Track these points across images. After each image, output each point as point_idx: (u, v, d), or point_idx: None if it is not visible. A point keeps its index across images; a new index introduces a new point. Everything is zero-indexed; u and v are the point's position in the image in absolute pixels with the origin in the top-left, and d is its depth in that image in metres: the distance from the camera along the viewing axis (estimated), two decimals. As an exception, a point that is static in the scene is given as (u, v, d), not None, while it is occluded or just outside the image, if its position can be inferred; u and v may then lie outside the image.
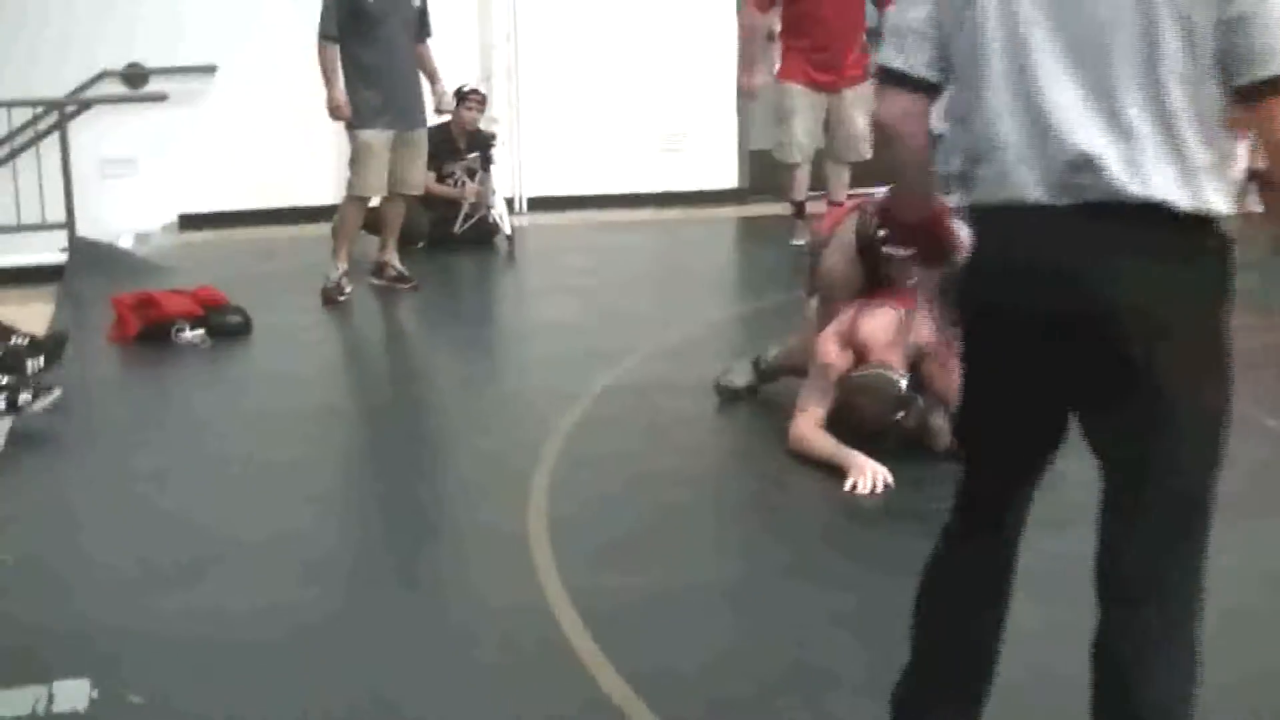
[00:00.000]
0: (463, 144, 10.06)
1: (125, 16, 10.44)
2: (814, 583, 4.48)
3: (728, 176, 11.85)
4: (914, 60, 2.76)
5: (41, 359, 6.61)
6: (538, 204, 11.30)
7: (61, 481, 5.63)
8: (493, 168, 10.16)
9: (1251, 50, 2.49)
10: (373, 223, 8.85)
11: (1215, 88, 2.54)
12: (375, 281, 8.80)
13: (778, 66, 9.57)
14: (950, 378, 5.35)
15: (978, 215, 2.77)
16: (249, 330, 7.72)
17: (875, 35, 8.88)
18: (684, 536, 4.90)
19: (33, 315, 7.79)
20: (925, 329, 5.53)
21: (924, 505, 4.63)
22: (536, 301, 9.08)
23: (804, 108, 9.41)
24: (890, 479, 5.22)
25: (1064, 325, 2.62)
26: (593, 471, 5.49)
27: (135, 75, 10.63)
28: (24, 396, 6.01)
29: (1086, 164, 2.56)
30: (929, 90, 2.79)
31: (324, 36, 8.30)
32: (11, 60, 10.15)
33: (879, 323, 5.55)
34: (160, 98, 10.12)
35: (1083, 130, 2.57)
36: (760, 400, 6.26)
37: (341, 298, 8.46)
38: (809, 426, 5.55)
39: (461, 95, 9.90)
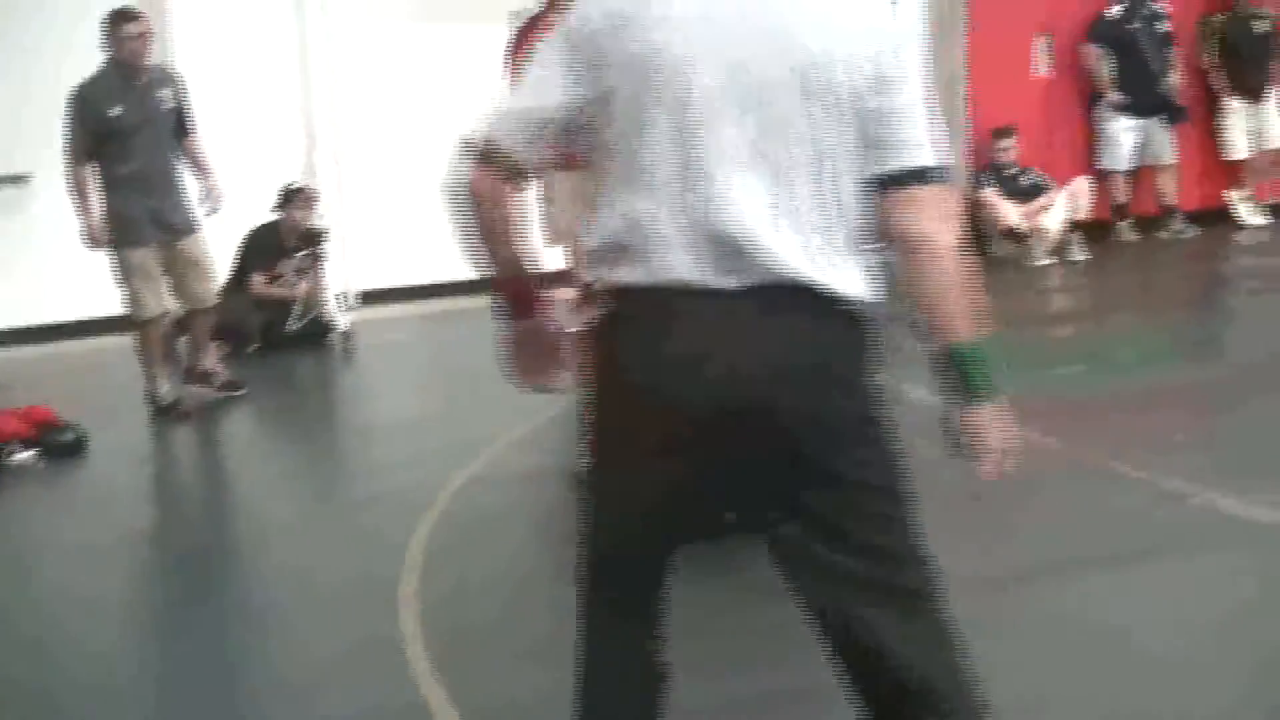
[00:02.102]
0: (292, 242, 9.89)
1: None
2: (704, 675, 4.38)
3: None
4: (519, 146, 2.70)
5: None
6: (372, 298, 11.11)
7: None
8: (324, 264, 9.99)
9: (895, 141, 2.61)
10: (216, 330, 8.60)
11: (864, 176, 2.61)
12: (203, 391, 8.51)
13: None
14: None
15: (625, 298, 2.68)
16: (83, 449, 7.44)
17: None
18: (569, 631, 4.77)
19: None
20: None
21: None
22: (380, 400, 8.91)
23: None
24: None
25: (722, 416, 2.59)
26: (460, 571, 5.33)
27: (-55, 188, 10.31)
28: None
29: (747, 245, 2.57)
30: (527, 175, 2.74)
31: (70, 157, 7.93)
32: None
33: None
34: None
35: (755, 208, 2.57)
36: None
37: (176, 410, 8.18)
38: None
39: (289, 194, 9.72)
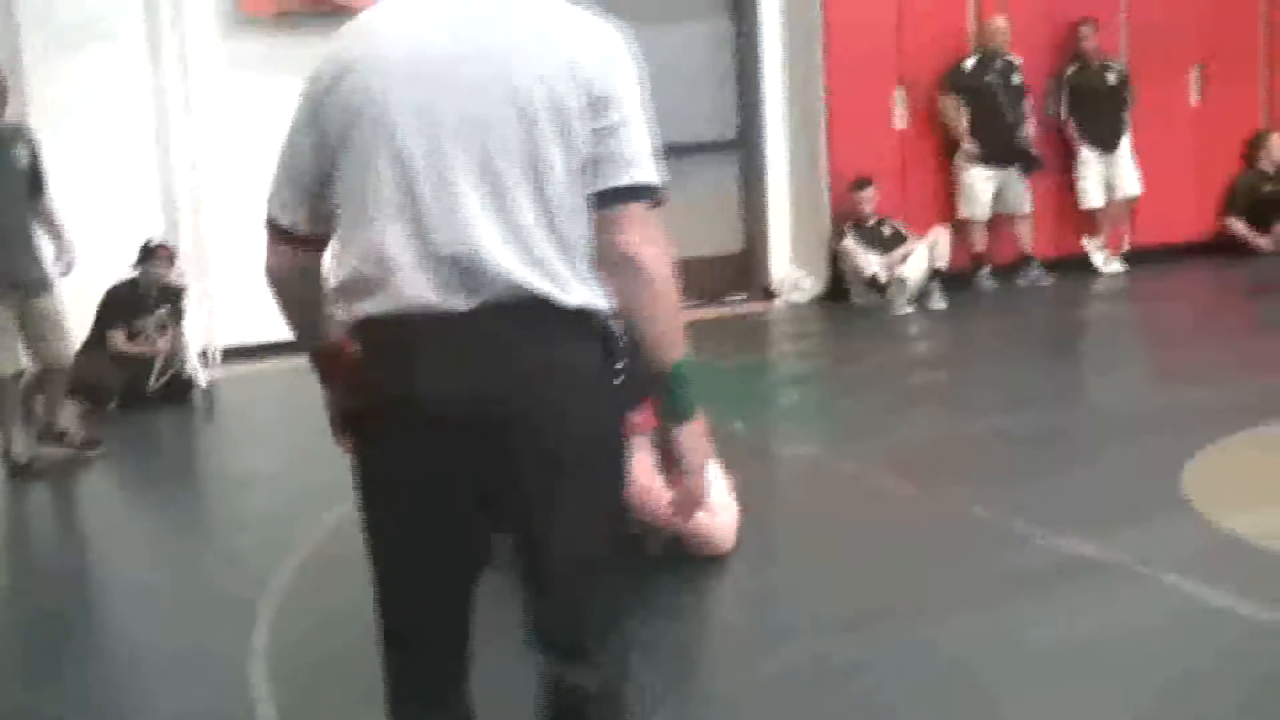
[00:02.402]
0: (152, 299, 9.78)
1: None
2: None
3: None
4: (296, 217, 2.86)
5: None
6: (234, 354, 10.99)
7: None
8: (184, 321, 9.90)
9: (608, 158, 2.70)
10: (72, 388, 8.47)
11: (580, 195, 2.71)
12: (59, 450, 8.37)
13: None
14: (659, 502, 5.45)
15: (372, 328, 2.78)
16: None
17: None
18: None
19: None
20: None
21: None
22: (240, 455, 8.82)
23: None
24: None
25: (468, 427, 2.71)
26: (314, 625, 5.31)
27: None
28: None
29: (480, 265, 2.68)
30: (317, 243, 2.88)
31: None
32: None
33: None
34: None
35: (481, 231, 2.68)
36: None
37: (30, 470, 8.04)
38: None
39: (148, 250, 9.64)
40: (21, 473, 8.00)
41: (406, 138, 2.71)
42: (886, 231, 11.78)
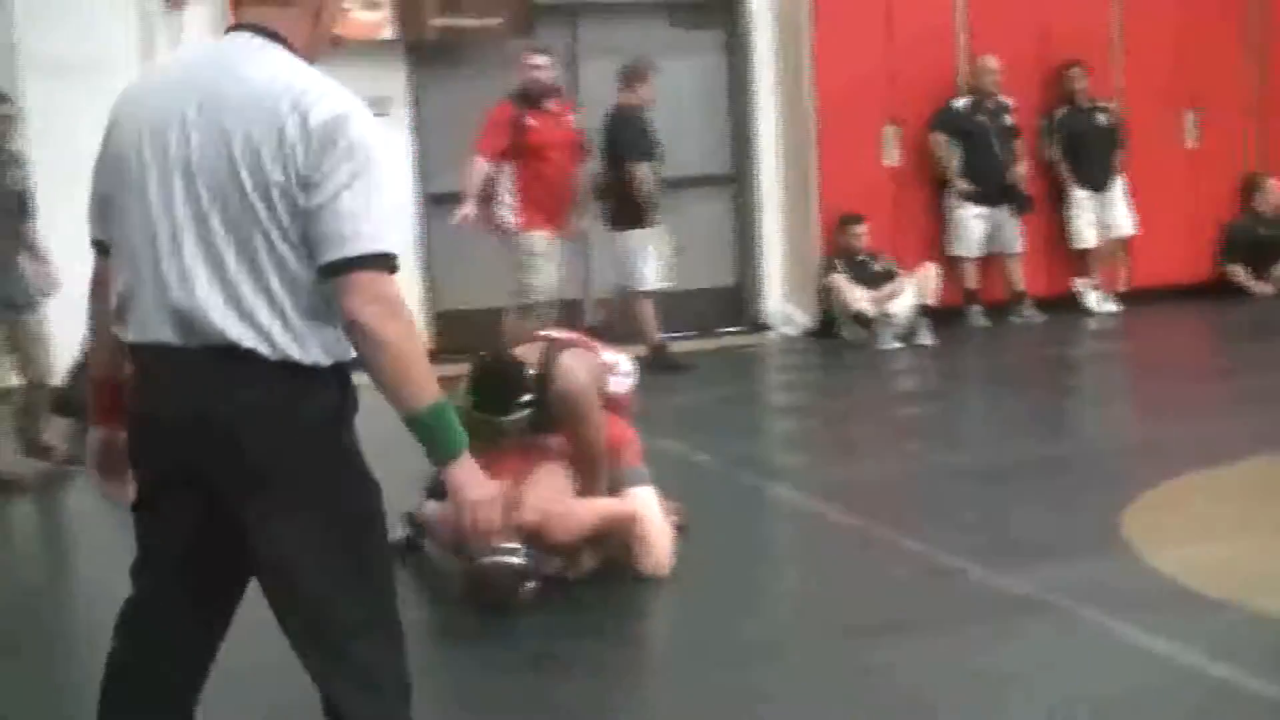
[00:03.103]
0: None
1: None
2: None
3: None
4: (97, 230, 3.19)
5: None
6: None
7: None
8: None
9: (325, 235, 2.91)
10: (60, 405, 8.65)
11: (301, 262, 2.93)
12: (44, 465, 8.52)
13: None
14: (570, 521, 5.57)
15: (132, 353, 3.11)
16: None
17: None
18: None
19: None
20: (534, 491, 5.69)
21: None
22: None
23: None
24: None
25: (190, 442, 3.00)
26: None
27: None
28: None
29: (200, 312, 2.95)
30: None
31: None
32: None
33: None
34: None
35: (199, 285, 2.95)
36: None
37: (14, 484, 8.19)
38: None
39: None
40: (6, 487, 8.17)
41: (148, 192, 3.01)
42: (877, 267, 11.88)
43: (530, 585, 5.51)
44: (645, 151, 10.86)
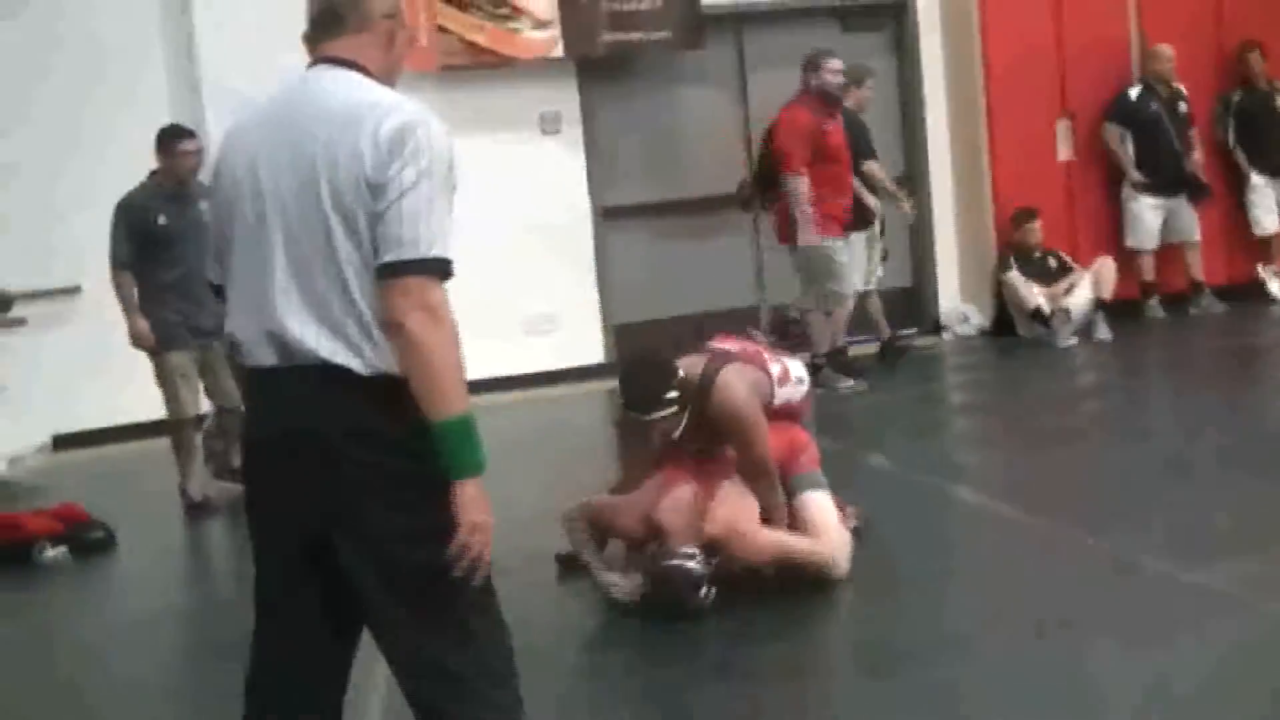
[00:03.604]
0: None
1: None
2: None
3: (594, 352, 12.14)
4: (213, 274, 3.39)
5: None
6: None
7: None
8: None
9: (385, 237, 3.03)
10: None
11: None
12: (234, 487, 8.81)
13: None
14: (752, 546, 5.63)
15: (249, 375, 3.27)
16: (112, 545, 7.77)
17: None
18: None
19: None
20: (723, 508, 5.75)
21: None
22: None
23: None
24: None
25: (289, 460, 3.14)
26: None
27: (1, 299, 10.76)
28: None
29: (293, 334, 3.09)
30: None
31: (116, 264, 8.40)
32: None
33: (677, 504, 5.75)
34: (19, 323, 10.26)
35: (290, 306, 3.10)
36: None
37: (205, 506, 8.51)
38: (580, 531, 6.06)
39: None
40: (197, 509, 8.47)
41: (249, 223, 3.19)
42: (1051, 263, 11.77)
43: (707, 591, 5.59)
44: (862, 155, 10.91)
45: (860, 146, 10.93)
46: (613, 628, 5.77)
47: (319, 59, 3.28)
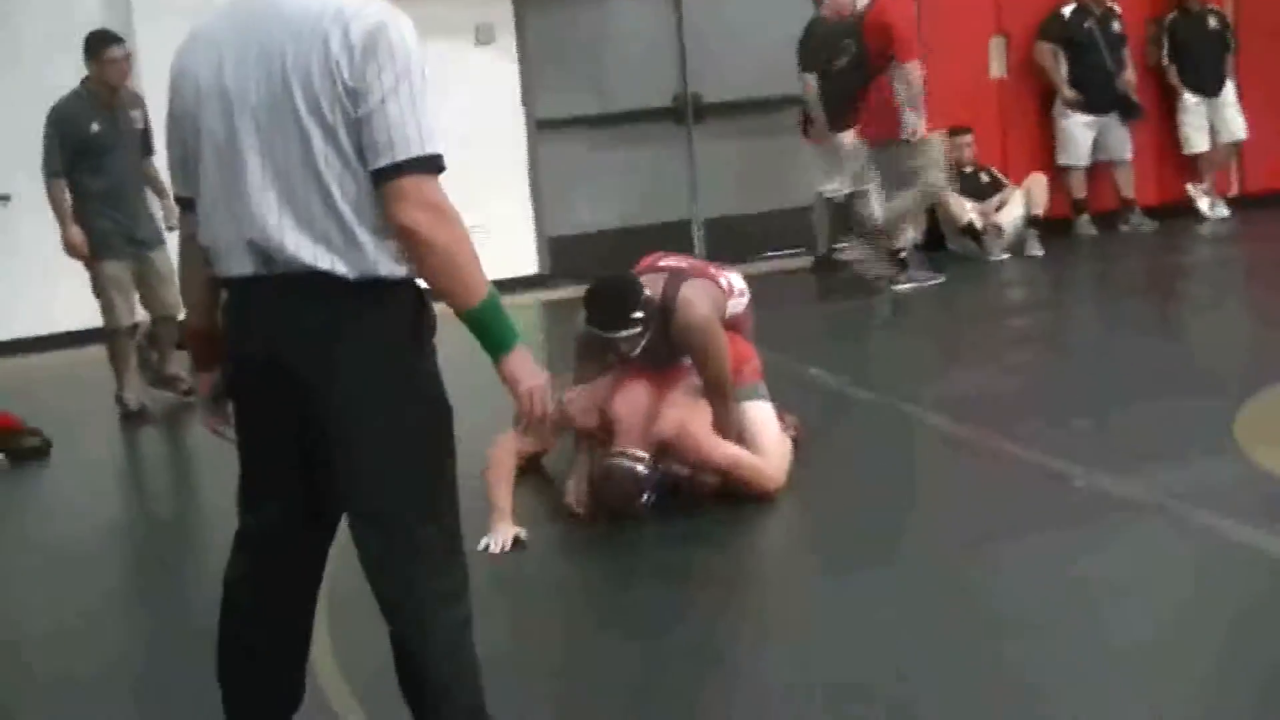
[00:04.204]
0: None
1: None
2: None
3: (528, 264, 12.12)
4: (180, 187, 3.38)
5: None
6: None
7: None
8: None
9: (374, 143, 3.01)
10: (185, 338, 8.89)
11: (363, 175, 3.05)
12: (169, 395, 8.84)
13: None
14: (702, 451, 5.69)
15: (224, 289, 3.32)
16: (47, 453, 7.76)
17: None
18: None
19: None
20: (674, 409, 5.81)
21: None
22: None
23: None
24: (519, 541, 5.58)
25: (275, 374, 3.18)
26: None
27: (-71, 209, 10.68)
28: None
29: (275, 241, 3.10)
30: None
31: (49, 173, 8.33)
32: None
33: (631, 401, 5.81)
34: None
35: (271, 214, 3.10)
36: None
37: (141, 415, 8.52)
38: (503, 453, 5.91)
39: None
40: (134, 417, 8.47)
41: (217, 135, 3.17)
42: (984, 179, 11.85)
43: (649, 497, 5.67)
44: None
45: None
46: (554, 532, 5.83)
47: None
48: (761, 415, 6.03)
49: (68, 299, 10.42)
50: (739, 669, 4.47)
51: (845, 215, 11.18)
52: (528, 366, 3.21)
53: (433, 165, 3.07)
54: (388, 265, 3.12)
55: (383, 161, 3.03)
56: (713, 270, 6.26)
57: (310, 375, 3.14)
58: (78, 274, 8.48)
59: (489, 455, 5.88)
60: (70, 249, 8.38)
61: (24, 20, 10.69)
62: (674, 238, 11.10)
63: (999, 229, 11.57)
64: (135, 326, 8.68)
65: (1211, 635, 4.36)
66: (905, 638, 4.46)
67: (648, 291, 5.78)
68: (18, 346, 10.90)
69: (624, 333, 5.71)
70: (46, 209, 8.34)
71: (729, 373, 5.90)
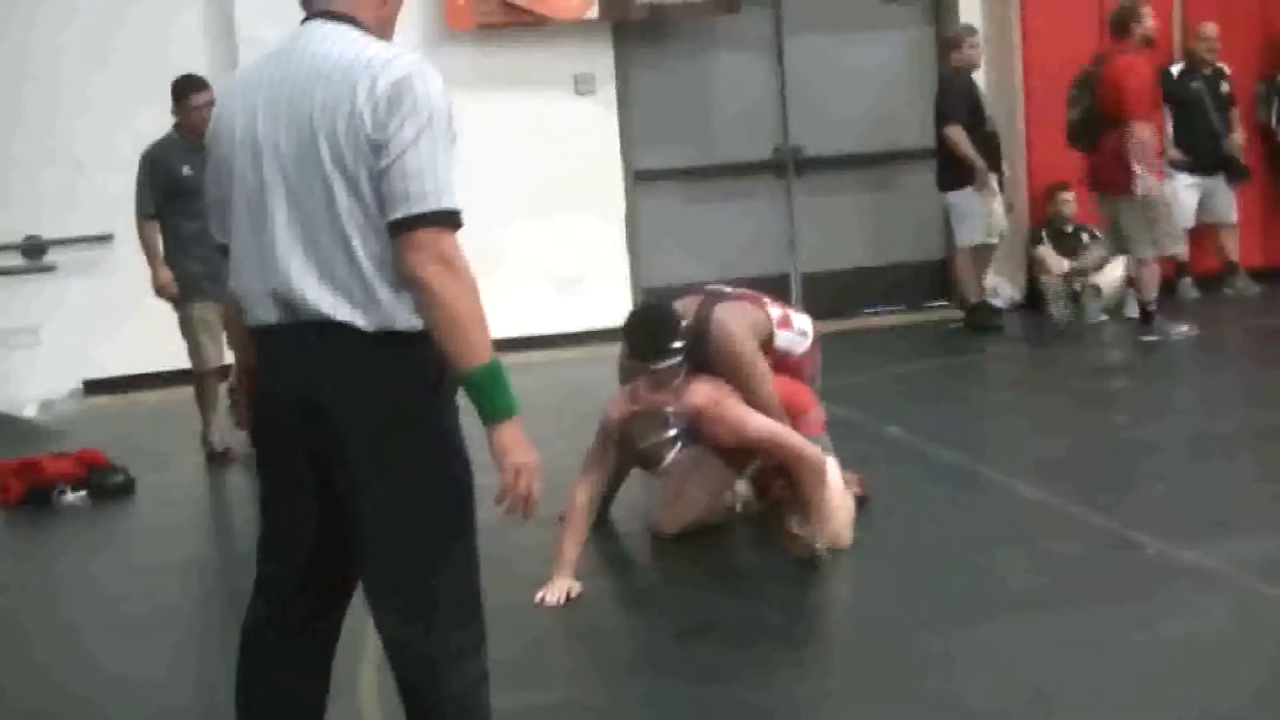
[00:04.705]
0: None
1: (22, 192, 10.73)
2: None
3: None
4: (218, 234, 3.40)
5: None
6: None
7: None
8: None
9: (392, 194, 3.01)
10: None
11: (383, 228, 3.05)
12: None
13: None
14: (730, 419, 5.71)
15: (251, 333, 3.33)
16: (131, 490, 7.87)
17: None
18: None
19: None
20: (700, 389, 5.79)
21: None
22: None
23: None
24: (573, 595, 5.55)
25: (294, 422, 3.21)
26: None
27: (33, 247, 10.90)
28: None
29: (297, 292, 3.12)
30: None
31: (141, 214, 8.50)
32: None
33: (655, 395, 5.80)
34: (49, 269, 10.40)
35: (294, 265, 3.13)
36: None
37: (226, 456, 8.61)
38: (579, 500, 5.86)
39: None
40: (218, 458, 8.56)
41: (247, 183, 3.21)
42: (1084, 238, 11.71)
43: (677, 435, 5.66)
44: (961, 114, 11.09)
45: (943, 110, 11.25)
46: (608, 585, 5.85)
47: (314, 13, 3.28)
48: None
49: (164, 339, 10.61)
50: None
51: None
52: (519, 441, 3.18)
53: (449, 220, 3.07)
54: (405, 319, 3.12)
55: (399, 213, 3.04)
56: (766, 300, 6.26)
57: (327, 425, 3.16)
58: (172, 314, 8.62)
59: (569, 496, 5.86)
60: (159, 290, 8.51)
61: (125, 61, 10.87)
62: (771, 291, 11.05)
63: (1098, 289, 11.41)
64: (224, 368, 8.78)
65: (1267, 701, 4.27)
66: (955, 705, 4.39)
67: (685, 321, 5.78)
68: (115, 385, 11.11)
69: (664, 363, 5.72)
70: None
71: (771, 393, 5.90)
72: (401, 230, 3.05)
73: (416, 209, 3.04)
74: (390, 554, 3.21)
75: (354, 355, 3.12)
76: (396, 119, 3.04)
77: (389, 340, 3.12)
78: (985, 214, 11.28)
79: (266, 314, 3.21)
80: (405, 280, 3.07)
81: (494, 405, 3.12)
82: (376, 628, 3.30)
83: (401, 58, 3.13)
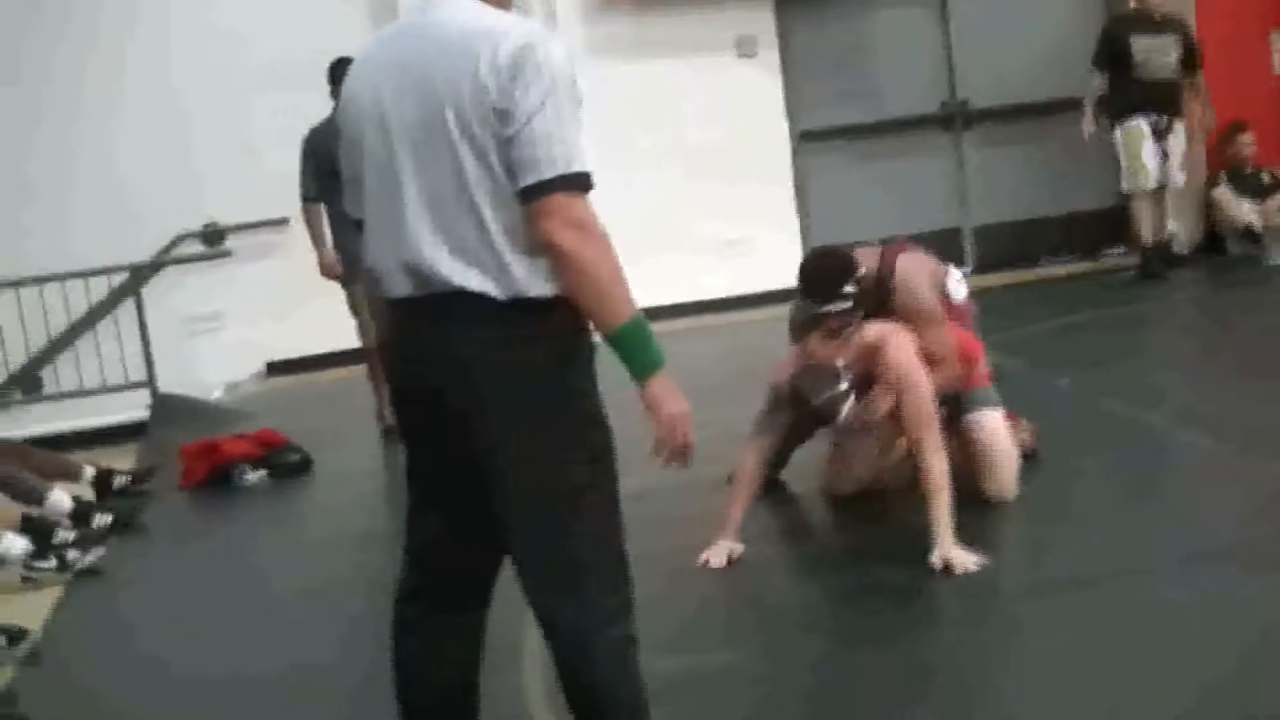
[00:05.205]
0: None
1: (198, 180, 11.01)
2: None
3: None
4: (354, 210, 3.43)
5: (109, 517, 7.07)
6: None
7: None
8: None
9: (521, 161, 3.00)
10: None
11: (513, 196, 3.04)
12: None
13: None
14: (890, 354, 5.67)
15: (387, 305, 3.34)
16: (309, 468, 8.06)
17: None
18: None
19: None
20: (872, 332, 5.73)
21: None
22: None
23: None
24: (734, 557, 5.56)
25: (432, 394, 3.23)
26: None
27: (212, 233, 11.18)
28: (72, 554, 6.42)
29: (428, 264, 3.15)
30: None
31: (304, 197, 8.65)
32: (94, 228, 10.80)
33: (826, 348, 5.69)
34: (226, 254, 10.65)
35: (425, 236, 3.15)
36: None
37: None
38: (748, 463, 5.84)
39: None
40: (391, 434, 8.69)
41: (378, 159, 3.25)
42: (1264, 179, 11.41)
43: (848, 389, 5.57)
44: (1102, 61, 11.18)
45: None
46: (760, 551, 5.78)
47: None
48: (991, 425, 5.91)
49: (342, 318, 10.83)
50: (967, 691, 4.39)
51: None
52: (671, 393, 3.20)
53: (580, 183, 3.08)
54: (538, 286, 3.13)
55: (530, 179, 3.06)
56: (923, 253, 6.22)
57: (464, 394, 3.18)
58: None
59: (738, 459, 5.86)
60: (325, 270, 8.67)
61: (296, 40, 11.02)
62: (943, 246, 10.87)
63: (1279, 231, 11.10)
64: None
65: None
66: (1104, 661, 4.30)
67: (864, 269, 5.71)
68: (297, 365, 11.39)
69: (834, 306, 5.58)
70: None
71: (949, 340, 5.87)
72: (533, 197, 3.06)
73: (547, 174, 3.04)
74: (531, 515, 3.24)
75: (488, 323, 3.14)
76: (521, 86, 3.05)
77: (522, 308, 3.14)
78: (1134, 158, 10.99)
79: (401, 286, 3.25)
80: (540, 246, 3.09)
81: (642, 360, 3.15)
82: (524, 596, 3.33)
83: (520, 25, 3.16)
